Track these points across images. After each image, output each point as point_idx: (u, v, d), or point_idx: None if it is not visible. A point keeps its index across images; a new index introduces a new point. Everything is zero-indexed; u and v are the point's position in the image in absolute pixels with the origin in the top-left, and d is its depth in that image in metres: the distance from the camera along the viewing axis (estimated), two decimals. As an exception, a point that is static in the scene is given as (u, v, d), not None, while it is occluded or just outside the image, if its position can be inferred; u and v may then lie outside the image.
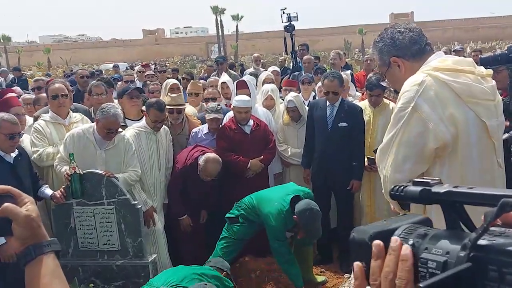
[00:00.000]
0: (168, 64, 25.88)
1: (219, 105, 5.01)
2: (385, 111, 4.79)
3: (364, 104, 4.91)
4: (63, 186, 3.81)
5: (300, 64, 7.34)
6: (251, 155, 4.80)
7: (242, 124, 4.86)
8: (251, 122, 4.89)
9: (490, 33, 43.14)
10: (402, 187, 0.84)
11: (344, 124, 4.67)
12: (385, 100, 4.88)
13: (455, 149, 1.85)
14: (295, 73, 6.77)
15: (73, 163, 3.65)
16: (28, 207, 1.02)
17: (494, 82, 1.98)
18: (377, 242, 0.71)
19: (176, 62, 34.67)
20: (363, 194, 4.93)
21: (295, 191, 3.99)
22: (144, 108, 4.65)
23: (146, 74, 8.83)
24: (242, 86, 5.15)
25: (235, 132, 4.86)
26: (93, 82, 5.38)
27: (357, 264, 0.72)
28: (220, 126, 4.93)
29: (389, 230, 0.78)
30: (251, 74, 7.06)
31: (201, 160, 4.34)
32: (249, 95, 5.05)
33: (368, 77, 5.03)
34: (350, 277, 3.89)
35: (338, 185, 4.75)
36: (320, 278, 4.24)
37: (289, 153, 5.11)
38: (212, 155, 4.38)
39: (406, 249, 0.67)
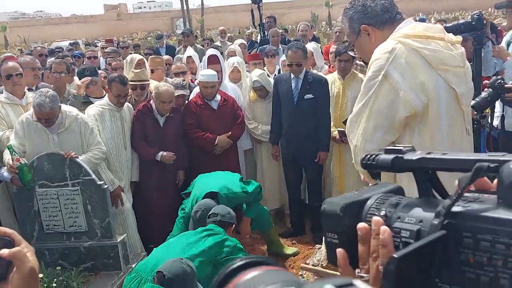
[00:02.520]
0: (131, 41, 25.19)
1: (184, 80, 4.89)
2: (354, 82, 4.77)
3: (333, 76, 4.87)
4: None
5: (268, 37, 7.22)
6: (219, 131, 4.72)
7: (209, 99, 4.76)
8: (218, 97, 4.79)
9: (453, 4, 43.77)
10: (373, 156, 0.81)
11: (309, 96, 4.62)
12: (354, 71, 4.85)
13: (425, 117, 1.83)
14: (263, 46, 6.65)
15: (15, 155, 3.48)
16: (31, 258, 0.92)
17: (463, 49, 1.96)
18: (361, 225, 0.69)
19: (140, 38, 33.80)
20: (333, 165, 4.94)
21: (222, 188, 3.77)
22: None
23: (105, 51, 8.53)
24: (213, 61, 5.01)
25: (202, 108, 4.76)
26: (53, 59, 5.14)
27: (339, 251, 0.69)
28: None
29: (360, 200, 0.76)
30: (215, 47, 6.89)
31: (153, 93, 4.44)
32: (220, 70, 4.94)
33: (335, 45, 4.96)
34: (320, 247, 3.91)
35: (307, 157, 4.73)
36: (291, 250, 4.26)
37: (260, 130, 5.04)
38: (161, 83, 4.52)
39: (384, 232, 0.64)
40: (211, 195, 3.70)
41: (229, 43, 8.42)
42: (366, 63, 4.83)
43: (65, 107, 3.82)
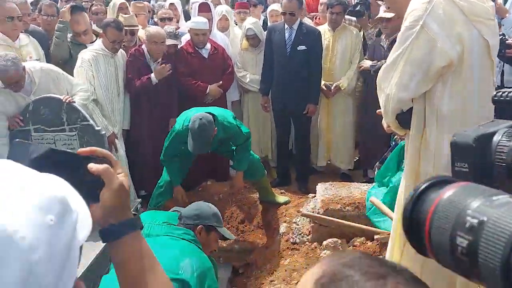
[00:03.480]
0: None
1: (177, 29, 4.79)
2: (344, 35, 4.82)
3: (324, 28, 4.88)
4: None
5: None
6: (209, 80, 4.70)
7: (199, 47, 4.69)
8: (208, 45, 4.74)
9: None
10: (507, 92, 0.87)
11: (303, 47, 4.63)
12: (345, 24, 4.88)
13: (459, 68, 1.91)
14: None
15: None
16: (122, 178, 0.92)
17: (492, 2, 2.03)
18: None
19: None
20: (321, 117, 5.04)
21: (218, 114, 3.75)
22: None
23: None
24: (204, 9, 4.91)
25: (193, 56, 4.70)
26: (44, 0, 4.88)
27: None
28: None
29: (489, 133, 0.82)
30: None
31: (144, 36, 4.42)
32: (211, 19, 4.85)
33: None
34: (314, 195, 4.05)
35: (296, 109, 4.79)
36: (283, 199, 4.38)
37: (248, 79, 5.03)
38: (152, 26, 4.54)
39: None
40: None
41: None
42: (358, 16, 4.81)
43: (26, 64, 3.58)
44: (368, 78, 4.80)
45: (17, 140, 0.89)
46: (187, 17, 5.93)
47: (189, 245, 2.33)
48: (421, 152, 2.03)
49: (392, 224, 2.26)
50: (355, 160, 5.34)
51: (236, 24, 5.55)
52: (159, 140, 4.50)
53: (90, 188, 0.87)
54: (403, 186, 2.14)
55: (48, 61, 4.16)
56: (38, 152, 0.85)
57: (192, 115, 3.62)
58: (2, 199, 0.58)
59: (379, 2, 4.48)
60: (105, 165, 0.89)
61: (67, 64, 4.29)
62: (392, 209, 3.46)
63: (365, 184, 4.10)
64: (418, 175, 2.05)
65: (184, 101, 4.67)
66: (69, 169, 0.83)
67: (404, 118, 2.06)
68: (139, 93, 4.37)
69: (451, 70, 1.91)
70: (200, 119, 3.50)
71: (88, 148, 0.92)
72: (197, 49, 4.69)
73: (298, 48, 4.62)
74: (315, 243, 3.66)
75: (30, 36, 4.17)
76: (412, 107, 2.04)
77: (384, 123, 2.21)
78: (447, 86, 1.94)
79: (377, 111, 2.25)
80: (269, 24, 5.38)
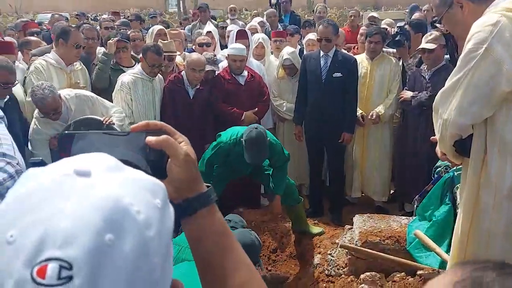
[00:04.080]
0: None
1: (215, 55, 4.81)
2: (383, 64, 4.77)
3: (361, 57, 4.85)
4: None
5: (283, 17, 7.16)
6: (245, 107, 4.68)
7: (237, 74, 4.70)
8: (245, 73, 4.74)
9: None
10: None
11: (338, 74, 4.58)
12: (384, 54, 4.84)
13: (524, 93, 1.82)
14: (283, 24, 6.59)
15: None
16: (186, 147, 0.81)
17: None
18: None
19: (132, 14, 33.09)
20: (356, 147, 4.94)
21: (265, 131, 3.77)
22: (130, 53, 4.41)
23: (116, 24, 8.31)
24: (242, 36, 4.95)
25: (229, 83, 4.70)
26: (84, 25, 4.99)
27: None
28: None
29: None
30: (222, 27, 6.71)
31: (185, 62, 4.48)
32: (248, 46, 4.87)
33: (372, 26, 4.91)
34: (351, 227, 3.92)
35: (330, 137, 4.71)
36: (317, 229, 4.26)
37: (284, 108, 5.01)
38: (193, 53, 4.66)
39: None
40: None
41: (240, 22, 8.30)
42: (398, 46, 4.73)
43: (62, 92, 3.62)
44: (406, 109, 4.72)
45: (66, 132, 0.81)
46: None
47: None
48: (481, 182, 1.92)
49: (450, 258, 2.12)
50: (391, 193, 5.20)
51: (272, 53, 5.56)
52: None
53: (155, 164, 0.78)
54: (460, 216, 2.02)
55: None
56: (92, 137, 0.78)
57: (239, 130, 3.69)
58: (110, 176, 0.56)
59: (438, 26, 4.40)
60: (164, 136, 0.79)
61: (106, 90, 4.34)
62: (436, 244, 3.32)
63: (405, 217, 3.95)
64: (477, 205, 1.94)
65: (218, 127, 4.65)
66: (130, 150, 0.76)
67: (462, 145, 1.96)
68: (174, 116, 4.38)
69: (516, 95, 1.82)
70: (256, 128, 3.58)
71: (139, 124, 0.82)
72: (234, 75, 4.70)
73: (334, 75, 4.58)
74: (351, 276, 3.52)
75: (81, 63, 4.25)
76: (470, 134, 1.94)
77: (439, 150, 2.12)
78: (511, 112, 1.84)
79: (431, 138, 2.16)
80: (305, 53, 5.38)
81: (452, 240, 2.05)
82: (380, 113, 4.68)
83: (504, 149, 1.86)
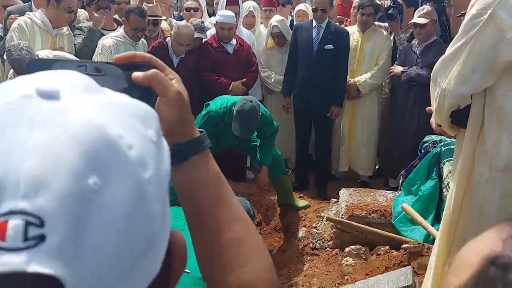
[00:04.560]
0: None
1: (202, 22, 4.66)
2: (373, 37, 4.69)
3: (352, 29, 4.75)
4: None
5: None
6: (233, 77, 4.56)
7: (225, 42, 4.57)
8: (234, 41, 4.61)
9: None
10: None
11: (330, 46, 4.49)
12: (375, 26, 4.75)
13: (527, 64, 1.76)
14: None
15: None
16: (177, 85, 0.69)
17: None
18: None
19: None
20: (344, 121, 4.89)
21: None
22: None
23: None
24: (232, 2, 4.78)
25: (217, 51, 4.57)
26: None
27: None
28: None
29: None
30: None
31: (172, 31, 4.31)
32: (238, 13, 4.73)
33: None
34: (336, 201, 3.89)
35: (318, 111, 4.65)
36: (302, 203, 4.22)
37: (273, 79, 4.90)
38: (182, 22, 4.41)
39: None
40: None
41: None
42: (390, 19, 4.65)
43: (40, 53, 3.33)
44: (396, 85, 4.66)
45: (37, 58, 0.68)
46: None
47: None
48: (476, 153, 1.88)
49: (439, 233, 2.09)
50: (376, 168, 5.18)
51: (262, 23, 5.42)
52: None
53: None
54: (453, 189, 1.98)
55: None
56: (64, 67, 0.65)
57: (229, 99, 3.58)
58: (87, 99, 0.41)
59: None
60: (153, 70, 0.66)
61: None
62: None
63: (391, 192, 3.93)
64: (471, 178, 1.89)
65: (204, 97, 4.54)
66: (111, 84, 0.64)
67: (458, 116, 1.90)
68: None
69: (518, 65, 1.76)
70: (250, 101, 3.46)
71: (124, 54, 0.68)
72: (222, 44, 4.56)
73: (325, 47, 4.48)
74: (336, 250, 3.50)
75: (69, 28, 4.06)
76: (467, 106, 1.88)
77: (433, 122, 2.05)
78: (512, 83, 1.78)
79: (427, 108, 2.10)
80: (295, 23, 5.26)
81: (443, 214, 2.02)
82: (358, 82, 4.61)
83: (502, 121, 1.80)
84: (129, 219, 0.38)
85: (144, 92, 0.65)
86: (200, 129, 0.75)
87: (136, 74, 0.64)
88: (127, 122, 0.41)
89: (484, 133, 1.84)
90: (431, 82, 1.96)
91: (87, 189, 0.36)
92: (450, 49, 1.83)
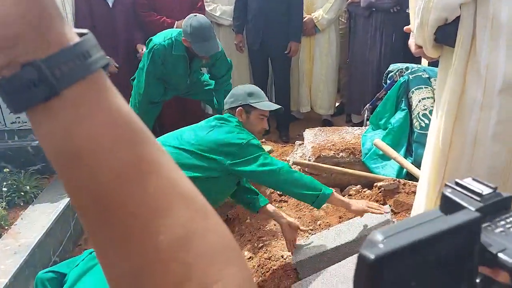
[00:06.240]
0: None
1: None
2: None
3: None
4: None
5: None
6: (176, 16, 4.10)
7: (165, -24, 4.08)
8: (175, -26, 4.12)
9: None
10: None
11: None
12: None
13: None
14: None
15: None
16: None
17: None
18: None
19: None
20: (302, 60, 4.56)
21: None
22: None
23: None
24: None
25: (156, -13, 4.08)
26: None
27: None
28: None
29: None
30: None
31: None
32: None
33: None
34: (301, 143, 3.64)
35: (275, 48, 4.30)
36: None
37: (219, 12, 4.47)
38: None
39: None
40: None
41: None
42: None
43: None
44: (355, 13, 4.35)
45: None
46: None
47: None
48: (467, 74, 1.61)
49: (426, 169, 1.85)
50: (336, 106, 4.95)
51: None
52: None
53: None
54: (438, 118, 1.72)
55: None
56: None
57: (172, 31, 3.28)
58: None
59: None
60: None
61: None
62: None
63: (358, 128, 3.70)
64: (462, 104, 1.64)
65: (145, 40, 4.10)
66: None
67: (445, 33, 1.61)
68: (93, 30, 3.76)
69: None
70: (195, 15, 3.16)
71: None
72: (161, -22, 4.07)
73: (278, -24, 4.08)
74: (305, 194, 3.27)
75: None
76: (454, 21, 1.59)
77: (412, 43, 1.76)
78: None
79: (405, 27, 1.80)
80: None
81: (432, 149, 1.77)
82: (316, 19, 4.28)
83: (497, 32, 1.53)
84: None
85: None
86: (82, 31, 0.38)
87: None
88: None
89: (476, 49, 1.57)
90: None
91: None
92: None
